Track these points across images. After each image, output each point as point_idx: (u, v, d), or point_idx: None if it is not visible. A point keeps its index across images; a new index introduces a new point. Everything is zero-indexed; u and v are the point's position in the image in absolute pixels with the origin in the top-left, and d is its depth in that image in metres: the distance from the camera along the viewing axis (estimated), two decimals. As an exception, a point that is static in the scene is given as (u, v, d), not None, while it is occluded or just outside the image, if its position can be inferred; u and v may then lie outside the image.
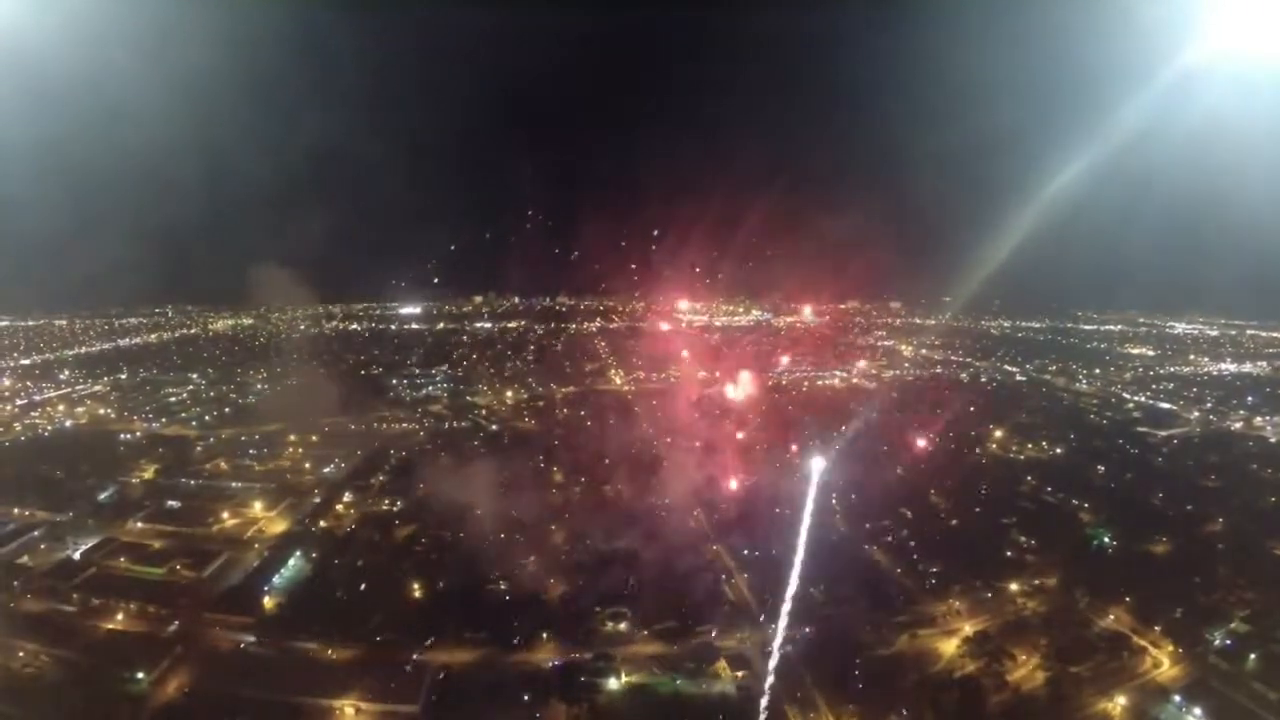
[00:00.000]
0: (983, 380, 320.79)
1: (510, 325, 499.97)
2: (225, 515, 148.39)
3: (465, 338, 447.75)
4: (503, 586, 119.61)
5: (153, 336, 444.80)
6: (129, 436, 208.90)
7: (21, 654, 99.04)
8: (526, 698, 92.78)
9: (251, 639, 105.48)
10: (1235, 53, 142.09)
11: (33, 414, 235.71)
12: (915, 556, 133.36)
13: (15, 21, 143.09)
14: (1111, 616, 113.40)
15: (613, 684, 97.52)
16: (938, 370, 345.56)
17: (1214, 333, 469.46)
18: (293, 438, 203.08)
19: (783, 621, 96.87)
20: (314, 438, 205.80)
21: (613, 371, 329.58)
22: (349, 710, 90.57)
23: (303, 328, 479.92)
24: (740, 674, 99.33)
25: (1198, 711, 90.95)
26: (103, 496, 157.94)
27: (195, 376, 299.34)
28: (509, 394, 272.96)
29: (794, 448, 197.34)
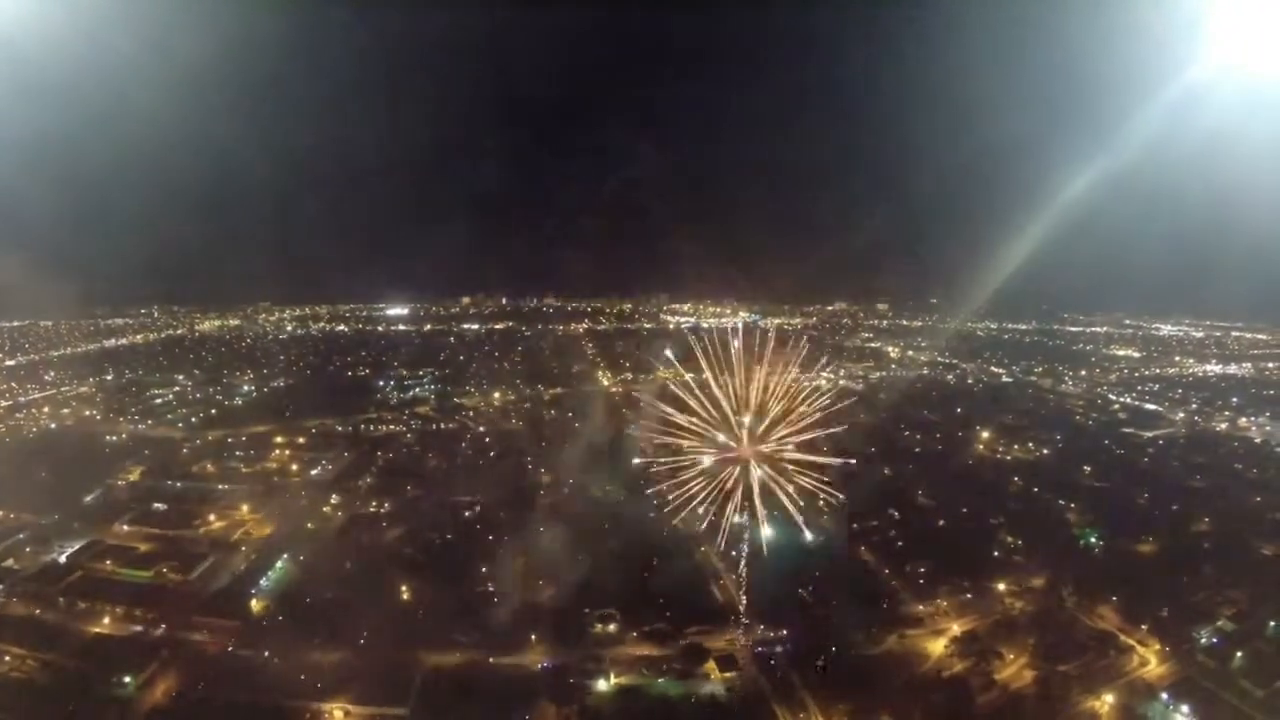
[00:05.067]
0: (969, 382, 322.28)
1: (498, 327, 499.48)
2: (212, 518, 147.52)
3: (452, 339, 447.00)
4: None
5: (139, 337, 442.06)
6: (115, 438, 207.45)
7: (7, 658, 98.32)
8: (516, 699, 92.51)
9: (239, 642, 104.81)
10: (1236, 62, 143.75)
11: (18, 415, 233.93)
12: (903, 556, 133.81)
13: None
14: (1099, 615, 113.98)
15: (602, 685, 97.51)
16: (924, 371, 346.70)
17: (1199, 334, 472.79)
18: (280, 439, 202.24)
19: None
20: (301, 440, 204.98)
21: (600, 373, 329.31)
22: (338, 713, 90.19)
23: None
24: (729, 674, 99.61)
25: (1185, 709, 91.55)
26: (89, 499, 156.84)
27: (181, 378, 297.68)
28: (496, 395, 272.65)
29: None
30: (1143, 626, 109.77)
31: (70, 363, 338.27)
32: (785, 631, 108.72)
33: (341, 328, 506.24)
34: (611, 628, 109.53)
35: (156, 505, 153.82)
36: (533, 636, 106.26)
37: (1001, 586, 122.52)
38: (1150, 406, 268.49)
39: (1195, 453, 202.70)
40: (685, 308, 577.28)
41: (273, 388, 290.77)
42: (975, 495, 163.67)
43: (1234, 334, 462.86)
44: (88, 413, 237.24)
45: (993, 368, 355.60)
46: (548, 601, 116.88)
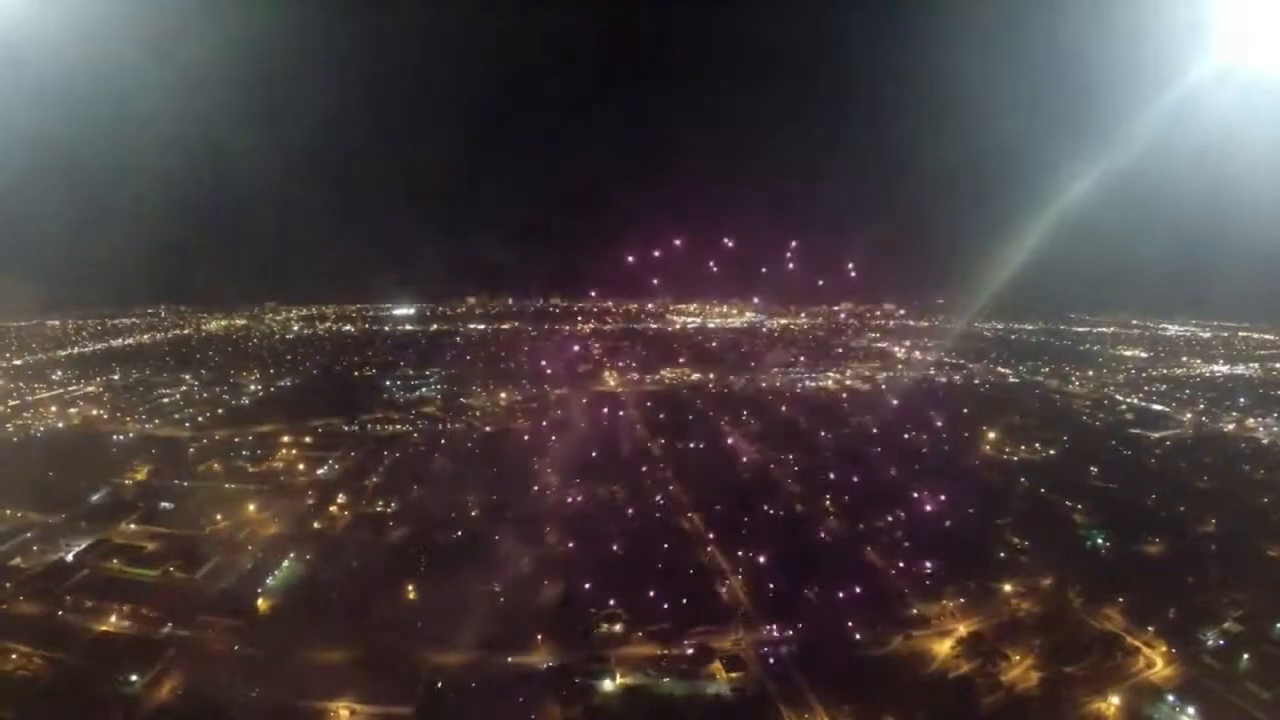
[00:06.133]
0: (976, 382, 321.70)
1: (504, 326, 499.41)
2: (219, 517, 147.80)
3: (458, 339, 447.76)
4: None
5: (145, 337, 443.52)
6: (122, 437, 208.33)
7: (14, 656, 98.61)
8: (521, 699, 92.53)
9: (245, 640, 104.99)
10: (1234, 62, 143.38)
11: (25, 415, 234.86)
12: (909, 556, 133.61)
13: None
14: (1106, 617, 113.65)
15: (607, 685, 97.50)
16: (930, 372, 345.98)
17: (1206, 335, 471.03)
18: (286, 439, 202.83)
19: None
20: (307, 439, 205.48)
21: (606, 373, 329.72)
22: (343, 712, 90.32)
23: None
24: (735, 675, 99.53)
25: (1191, 711, 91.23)
26: (95, 498, 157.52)
27: (188, 378, 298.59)
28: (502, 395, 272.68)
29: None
30: (1149, 628, 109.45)
31: (77, 362, 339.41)
32: (791, 632, 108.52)
33: (348, 327, 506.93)
34: (617, 628, 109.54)
35: (163, 504, 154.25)
36: (538, 636, 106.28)
37: (1008, 587, 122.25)
38: (1157, 407, 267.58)
39: (1202, 453, 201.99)
40: (691, 308, 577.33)
41: (279, 387, 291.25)
42: (981, 495, 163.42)
43: (1241, 334, 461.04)
44: (95, 412, 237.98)
45: (999, 368, 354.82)
46: (553, 601, 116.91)
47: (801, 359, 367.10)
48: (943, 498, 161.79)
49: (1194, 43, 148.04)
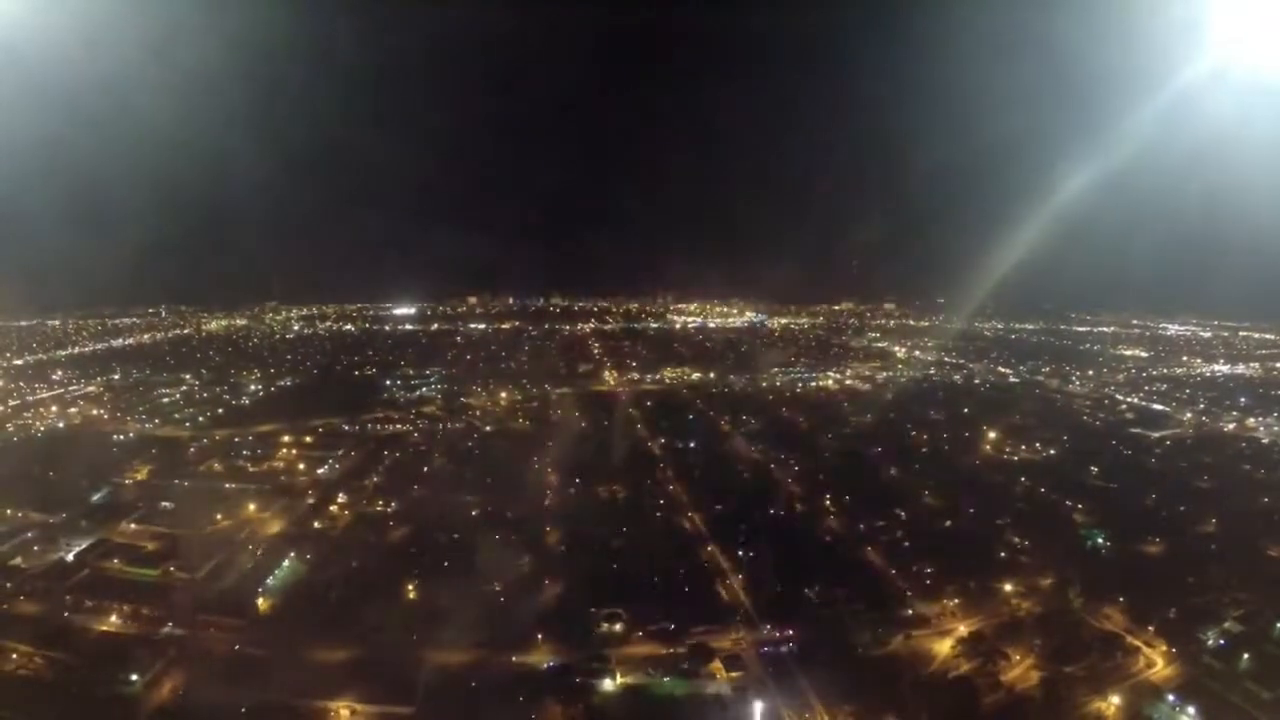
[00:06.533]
0: (976, 382, 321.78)
1: (504, 326, 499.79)
2: (219, 516, 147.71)
3: (459, 338, 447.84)
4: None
5: (146, 337, 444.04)
6: (122, 437, 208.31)
7: (15, 656, 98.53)
8: (522, 698, 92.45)
9: (245, 640, 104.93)
10: (1235, 61, 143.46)
11: (25, 415, 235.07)
12: (909, 556, 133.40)
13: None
14: (1106, 616, 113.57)
15: (608, 685, 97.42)
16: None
17: (1207, 334, 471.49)
18: (286, 438, 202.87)
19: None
20: (308, 438, 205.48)
21: (606, 373, 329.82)
22: (344, 712, 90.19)
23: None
24: (735, 674, 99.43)
25: (1191, 711, 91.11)
26: (96, 498, 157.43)
27: (188, 377, 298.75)
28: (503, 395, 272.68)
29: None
30: (1149, 628, 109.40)
31: (77, 362, 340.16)
32: (791, 632, 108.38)
33: (348, 327, 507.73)
34: (617, 627, 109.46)
35: (164, 504, 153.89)
36: (538, 636, 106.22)
37: (1008, 587, 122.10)
38: (1158, 406, 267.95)
39: (1203, 453, 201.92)
40: (692, 308, 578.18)
41: (280, 387, 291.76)
42: (982, 495, 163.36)
43: (1241, 334, 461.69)
44: (95, 412, 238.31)
45: (1000, 368, 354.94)
46: (553, 601, 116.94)
47: (802, 359, 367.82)
48: (943, 497, 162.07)
49: (1195, 43, 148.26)
